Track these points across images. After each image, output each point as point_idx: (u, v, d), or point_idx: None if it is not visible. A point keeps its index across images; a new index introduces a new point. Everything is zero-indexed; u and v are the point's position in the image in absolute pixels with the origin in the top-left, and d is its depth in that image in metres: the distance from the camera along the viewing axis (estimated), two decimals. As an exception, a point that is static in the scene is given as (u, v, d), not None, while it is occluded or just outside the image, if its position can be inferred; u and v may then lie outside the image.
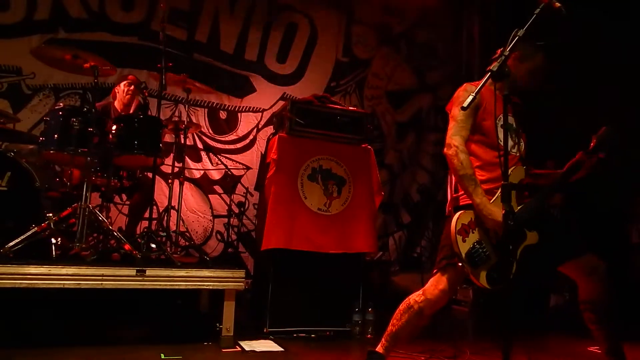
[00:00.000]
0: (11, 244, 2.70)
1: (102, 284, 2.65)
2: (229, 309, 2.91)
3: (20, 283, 2.50)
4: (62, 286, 2.56)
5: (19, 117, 3.91)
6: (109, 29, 4.74)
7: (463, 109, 1.80)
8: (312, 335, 3.33)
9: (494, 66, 1.81)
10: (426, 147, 6.05)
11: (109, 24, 4.75)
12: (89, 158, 3.09)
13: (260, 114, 5.25)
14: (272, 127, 4.62)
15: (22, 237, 2.76)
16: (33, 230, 2.80)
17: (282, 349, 2.94)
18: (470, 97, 1.77)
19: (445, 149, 2.17)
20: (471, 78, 5.38)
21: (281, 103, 4.99)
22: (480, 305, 4.74)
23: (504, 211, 1.74)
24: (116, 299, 3.24)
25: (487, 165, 2.21)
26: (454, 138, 2.15)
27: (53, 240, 2.86)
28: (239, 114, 5.17)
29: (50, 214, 2.89)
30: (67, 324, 3.17)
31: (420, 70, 6.15)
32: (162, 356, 2.59)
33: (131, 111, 3.91)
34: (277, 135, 3.64)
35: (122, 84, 3.88)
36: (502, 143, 2.09)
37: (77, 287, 2.60)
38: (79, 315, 3.23)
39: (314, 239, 3.47)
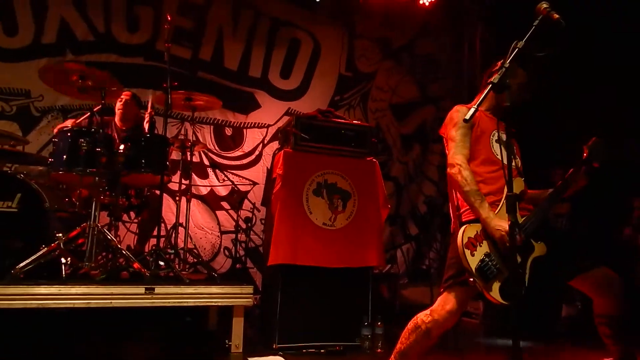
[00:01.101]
0: (22, 264, 2.73)
1: (111, 302, 2.67)
2: (237, 325, 2.91)
3: (31, 303, 2.52)
4: (72, 306, 2.58)
5: (28, 139, 3.97)
6: (115, 50, 4.83)
7: (465, 121, 1.82)
8: (322, 351, 3.31)
9: (495, 78, 1.83)
10: (431, 158, 6.06)
11: (115, 45, 4.84)
12: (97, 178, 3.12)
13: (266, 129, 5.30)
14: (277, 142, 4.65)
15: (32, 257, 2.78)
16: (43, 251, 2.82)
17: (291, 365, 2.93)
18: (473, 109, 1.79)
19: (448, 169, 2.20)
20: (473, 89, 5.41)
21: (286, 118, 5.03)
22: (490, 318, 4.69)
23: (509, 222, 1.74)
24: (126, 317, 3.26)
25: (486, 180, 2.22)
26: (456, 157, 2.18)
27: (63, 260, 2.89)
28: (245, 130, 5.22)
29: (60, 234, 2.92)
30: (76, 342, 3.17)
31: (423, 83, 6.18)
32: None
33: (131, 125, 3.95)
34: (282, 151, 3.66)
35: (117, 101, 3.95)
36: (499, 156, 2.14)
37: (87, 306, 2.62)
38: (89, 333, 3.24)
39: (319, 254, 3.47)
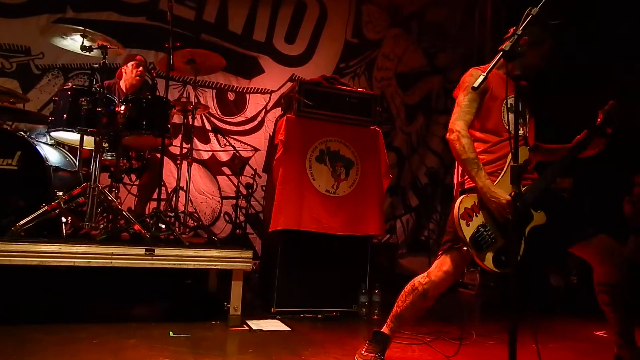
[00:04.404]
0: (22, 222, 2.73)
1: (111, 262, 2.68)
2: (236, 289, 2.94)
3: (32, 261, 2.53)
4: (72, 264, 2.60)
5: (28, 97, 3.92)
6: (117, 9, 4.72)
7: (474, 89, 1.77)
8: (319, 316, 3.36)
9: (506, 45, 1.77)
10: (435, 130, 6.00)
11: (117, 3, 4.72)
12: (97, 138, 3.10)
13: (269, 95, 5.23)
14: (280, 108, 4.60)
15: (33, 215, 2.78)
16: (44, 209, 2.82)
17: (289, 329, 2.97)
18: (482, 77, 1.74)
19: (447, 134, 2.17)
20: (482, 60, 5.30)
21: (290, 84, 4.96)
22: (487, 289, 4.75)
23: (512, 193, 1.72)
24: (128, 278, 3.30)
25: (491, 147, 2.20)
26: (457, 123, 2.15)
27: (63, 219, 2.89)
28: (247, 95, 5.15)
29: (61, 193, 2.92)
30: (78, 302, 3.23)
31: (430, 52, 6.06)
32: (171, 334, 2.63)
33: (136, 90, 3.89)
34: (285, 117, 3.62)
35: (129, 64, 3.87)
36: (510, 125, 2.08)
37: (87, 265, 2.63)
38: (90, 294, 3.29)
39: (322, 220, 3.48)
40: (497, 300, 4.46)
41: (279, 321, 3.13)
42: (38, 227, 2.81)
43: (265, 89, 5.21)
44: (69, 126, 3.03)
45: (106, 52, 3.18)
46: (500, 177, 2.11)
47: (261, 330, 2.87)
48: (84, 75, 4.51)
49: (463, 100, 2.17)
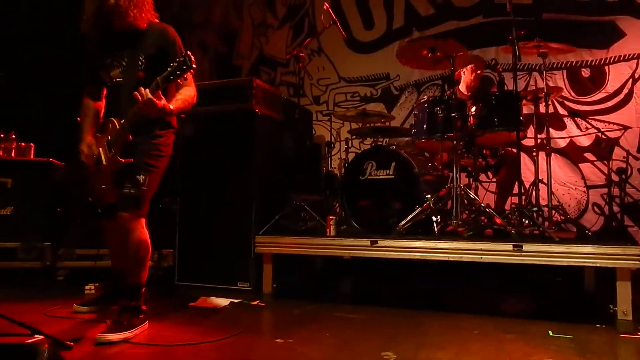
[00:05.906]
0: (402, 222, 3.19)
1: (481, 258, 2.80)
2: (623, 290, 2.56)
3: (413, 255, 2.92)
4: (446, 259, 2.85)
5: (393, 115, 4.59)
6: (455, 16, 4.97)
7: None
8: None
9: None
10: None
11: (453, 11, 4.98)
12: (454, 142, 3.31)
13: (635, 61, 4.37)
14: (655, 74, 3.78)
15: (410, 216, 3.21)
16: (417, 211, 3.22)
17: None
18: None
19: None
20: None
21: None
22: None
23: None
24: (491, 273, 3.36)
25: None
26: None
27: (433, 218, 3.21)
28: (606, 67, 4.46)
29: (429, 196, 3.26)
30: (453, 293, 3.49)
31: None
32: (550, 333, 2.52)
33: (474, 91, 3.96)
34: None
35: (468, 67, 3.99)
36: None
37: (459, 260, 2.83)
38: (460, 286, 3.51)
39: None
40: None
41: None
42: (414, 226, 3.21)
43: (629, 55, 4.39)
44: (429, 134, 3.37)
45: (454, 60, 3.39)
46: None
47: (667, 342, 2.40)
48: (433, 87, 4.94)
49: None
